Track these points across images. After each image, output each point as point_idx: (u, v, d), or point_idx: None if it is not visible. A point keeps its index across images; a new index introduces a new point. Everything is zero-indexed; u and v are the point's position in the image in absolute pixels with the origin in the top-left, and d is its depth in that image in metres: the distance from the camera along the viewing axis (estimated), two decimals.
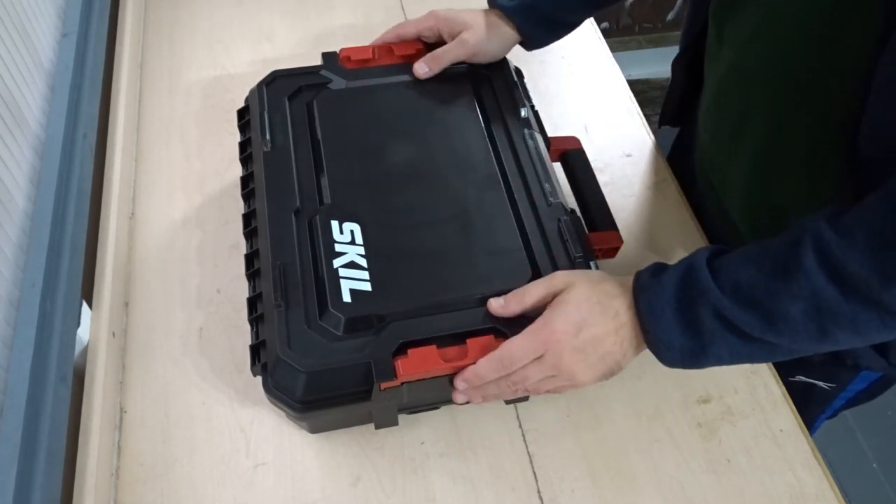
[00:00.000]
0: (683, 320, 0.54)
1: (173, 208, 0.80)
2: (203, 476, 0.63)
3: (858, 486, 1.48)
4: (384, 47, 0.80)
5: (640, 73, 1.75)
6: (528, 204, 0.67)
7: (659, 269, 0.57)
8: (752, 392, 0.67)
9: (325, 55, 0.80)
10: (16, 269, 0.62)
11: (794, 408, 0.66)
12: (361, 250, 0.64)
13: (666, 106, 0.85)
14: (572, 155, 0.74)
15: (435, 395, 0.62)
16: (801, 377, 0.76)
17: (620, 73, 0.94)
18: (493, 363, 0.57)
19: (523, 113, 0.73)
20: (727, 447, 0.64)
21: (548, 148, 0.74)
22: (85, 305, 0.70)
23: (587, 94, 0.90)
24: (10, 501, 0.50)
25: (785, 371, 0.72)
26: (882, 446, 1.53)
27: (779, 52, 0.61)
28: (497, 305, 0.60)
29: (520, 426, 0.65)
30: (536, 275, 0.62)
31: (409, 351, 0.58)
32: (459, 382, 0.59)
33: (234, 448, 0.64)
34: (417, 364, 0.57)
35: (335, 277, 0.62)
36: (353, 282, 0.62)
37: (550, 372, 0.57)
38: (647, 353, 0.69)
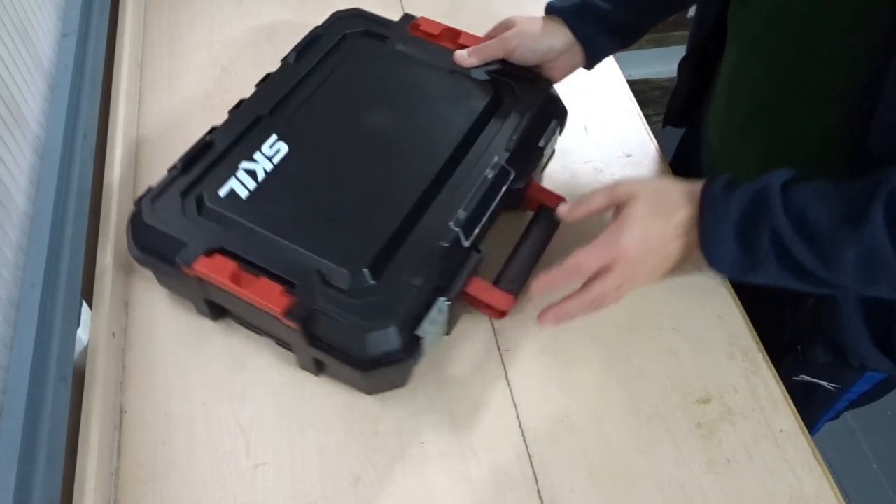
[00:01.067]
0: (743, 238, 0.56)
1: None
2: (203, 476, 0.63)
3: (858, 486, 1.48)
4: (452, 31, 0.81)
5: (640, 73, 1.75)
6: (431, 214, 0.67)
7: (731, 185, 0.58)
8: (752, 392, 0.67)
9: (405, 16, 0.84)
10: (16, 269, 0.62)
11: (794, 408, 0.66)
12: (269, 167, 0.70)
13: (671, 107, 0.85)
14: (544, 213, 0.72)
15: (246, 315, 0.67)
16: (805, 377, 0.76)
17: (620, 73, 0.94)
18: (563, 271, 0.60)
19: (507, 144, 0.72)
20: (727, 447, 0.64)
21: (522, 193, 0.72)
22: (85, 305, 0.70)
23: (587, 94, 0.90)
24: (10, 501, 0.50)
25: (788, 370, 0.72)
26: (882, 446, 1.53)
27: (788, 53, 0.61)
28: (564, 210, 0.64)
29: (520, 426, 0.65)
30: (357, 277, 0.63)
31: (216, 256, 0.63)
32: (534, 287, 0.61)
33: (234, 448, 0.64)
34: (210, 267, 0.62)
35: (230, 171, 0.69)
36: (239, 185, 0.68)
37: (620, 280, 0.60)
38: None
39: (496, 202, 0.68)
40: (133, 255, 0.67)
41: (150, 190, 0.68)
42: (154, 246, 0.66)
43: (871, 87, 0.53)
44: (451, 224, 0.65)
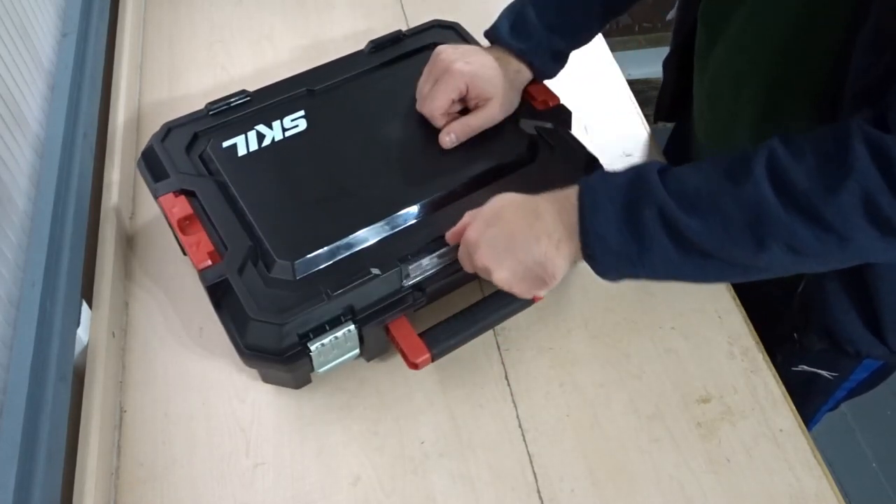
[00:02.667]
0: (625, 218, 0.54)
1: None
2: (203, 476, 0.63)
3: (858, 486, 1.48)
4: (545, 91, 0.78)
5: (640, 72, 1.75)
6: (389, 239, 0.66)
7: (607, 172, 0.58)
8: (752, 392, 0.67)
9: None
10: (16, 268, 0.62)
11: (793, 408, 0.66)
12: (279, 137, 0.73)
13: (659, 103, 0.85)
14: None
15: None
16: (803, 367, 0.76)
17: (620, 73, 0.94)
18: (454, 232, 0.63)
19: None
20: (727, 447, 0.64)
21: None
22: (85, 305, 0.70)
23: (587, 93, 0.90)
24: (10, 501, 0.50)
25: (787, 361, 0.72)
26: (882, 446, 1.53)
27: (765, 50, 0.61)
28: (450, 235, 0.64)
29: (520, 426, 0.65)
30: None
31: (181, 196, 0.68)
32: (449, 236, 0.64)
33: (233, 448, 0.64)
34: (169, 205, 0.67)
35: (244, 128, 0.74)
36: (243, 142, 0.72)
37: (467, 262, 0.62)
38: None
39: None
40: (138, 165, 0.73)
41: (177, 119, 0.75)
42: (152, 167, 0.71)
43: (839, 82, 0.54)
44: (400, 257, 0.63)
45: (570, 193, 0.58)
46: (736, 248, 0.52)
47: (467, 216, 0.63)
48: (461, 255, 0.63)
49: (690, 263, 0.54)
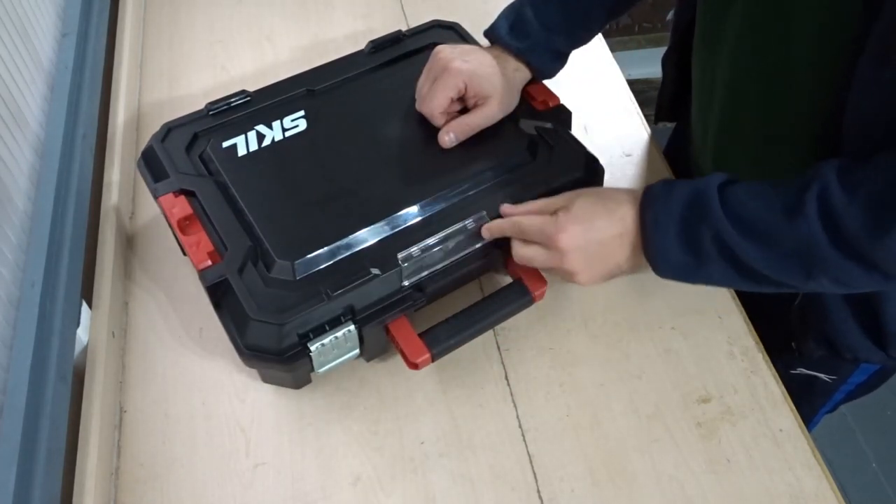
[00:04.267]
0: (685, 238, 0.57)
1: None
2: (203, 476, 0.63)
3: (858, 486, 1.48)
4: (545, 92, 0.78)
5: (640, 73, 1.74)
6: (390, 238, 0.65)
7: (670, 184, 0.59)
8: (752, 392, 0.67)
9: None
10: (16, 269, 0.62)
11: (793, 407, 0.66)
12: (279, 137, 0.73)
13: (660, 101, 0.85)
14: (516, 287, 0.67)
15: None
16: (802, 369, 0.76)
17: (620, 73, 0.94)
18: (510, 223, 0.64)
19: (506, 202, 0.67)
20: (727, 447, 0.64)
21: (505, 258, 0.67)
22: (85, 305, 0.70)
23: (587, 94, 0.90)
24: (10, 501, 0.50)
25: (786, 364, 0.72)
26: (882, 446, 1.53)
27: (765, 54, 0.61)
28: (508, 207, 0.66)
29: (520, 426, 0.65)
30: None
31: (181, 196, 0.68)
32: (485, 232, 0.65)
33: (234, 448, 0.64)
34: (169, 205, 0.68)
35: (244, 129, 0.74)
36: (243, 142, 0.72)
37: (552, 265, 0.62)
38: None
39: (464, 255, 0.66)
40: (138, 165, 0.73)
41: (178, 119, 0.75)
42: (152, 167, 0.71)
43: (841, 87, 0.54)
44: (401, 257, 0.63)
45: (639, 193, 0.61)
46: (786, 275, 0.55)
47: (532, 210, 0.64)
48: (531, 252, 0.63)
49: (746, 280, 0.57)
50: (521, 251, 0.63)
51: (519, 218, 0.63)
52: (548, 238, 0.61)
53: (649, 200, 0.59)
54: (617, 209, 0.60)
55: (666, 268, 0.59)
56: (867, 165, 0.52)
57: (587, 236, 0.60)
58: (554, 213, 0.62)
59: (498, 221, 0.65)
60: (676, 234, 0.57)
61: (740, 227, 0.55)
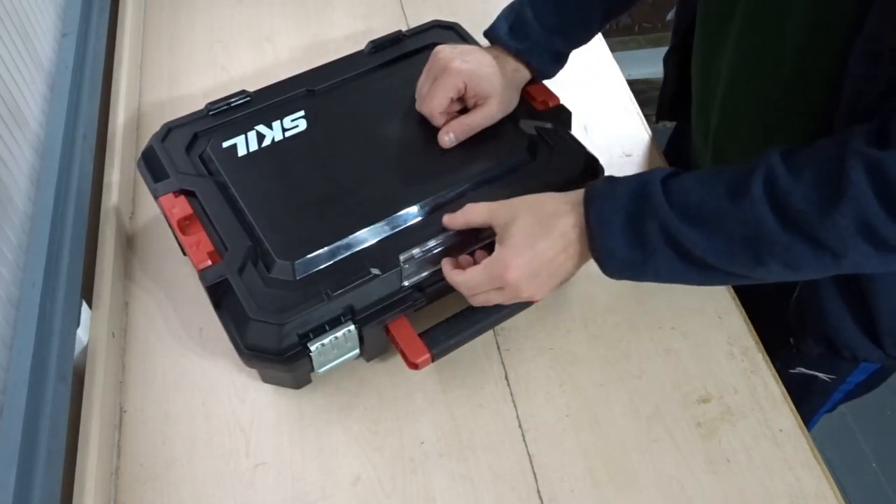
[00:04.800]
0: (630, 231, 0.56)
1: None
2: (203, 476, 0.63)
3: (858, 486, 1.48)
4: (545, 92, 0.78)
5: (640, 73, 1.74)
6: (390, 239, 0.66)
7: (612, 180, 0.59)
8: (752, 392, 0.67)
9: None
10: (16, 269, 0.62)
11: (793, 408, 0.66)
12: (279, 138, 0.73)
13: (661, 101, 0.85)
14: None
15: None
16: (801, 369, 0.76)
17: (620, 73, 0.94)
18: (460, 287, 0.62)
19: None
20: (727, 447, 0.64)
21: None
22: (85, 305, 0.70)
23: (587, 94, 0.90)
24: (10, 501, 0.50)
25: (785, 363, 0.72)
26: (882, 446, 1.53)
27: (764, 53, 0.61)
28: (447, 218, 0.65)
29: (520, 426, 0.65)
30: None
31: (181, 196, 0.68)
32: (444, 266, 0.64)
33: (234, 448, 0.64)
34: (169, 205, 0.68)
35: (244, 129, 0.74)
36: (243, 143, 0.72)
37: (510, 297, 0.61)
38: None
39: (462, 256, 0.65)
40: (138, 165, 0.73)
41: (178, 119, 0.75)
42: (152, 167, 0.72)
43: (837, 86, 0.54)
44: (401, 257, 0.63)
45: (580, 200, 0.59)
46: (735, 262, 0.54)
47: (474, 212, 0.63)
48: (486, 298, 0.62)
49: (694, 272, 0.56)
50: (478, 299, 0.63)
51: (462, 280, 0.62)
52: (496, 279, 0.60)
53: (592, 197, 0.58)
54: (556, 225, 0.59)
55: (612, 264, 0.58)
56: (811, 147, 0.51)
57: (533, 264, 0.59)
58: (492, 229, 0.62)
59: (448, 279, 0.63)
60: (621, 229, 0.56)
61: (685, 216, 0.54)
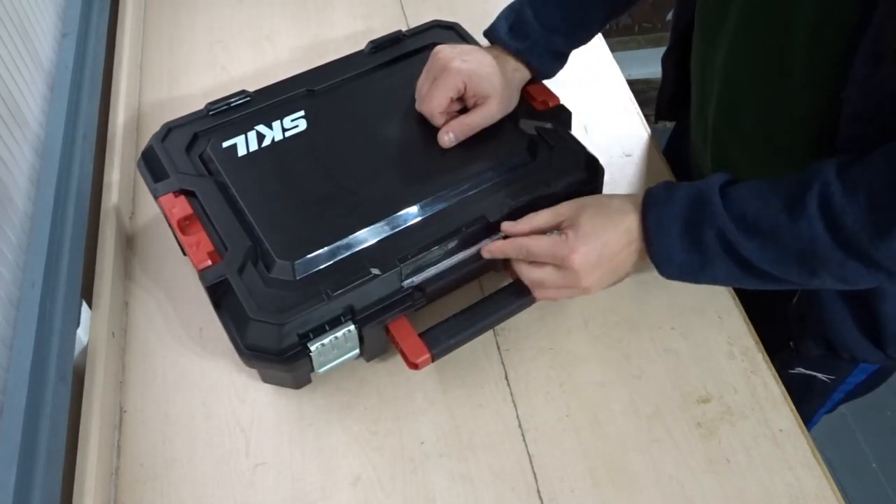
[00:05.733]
0: (689, 238, 0.57)
1: None
2: (203, 476, 0.63)
3: (858, 486, 1.48)
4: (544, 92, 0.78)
5: (640, 73, 1.74)
6: (389, 239, 0.65)
7: (671, 186, 0.60)
8: (752, 392, 0.67)
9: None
10: (16, 269, 0.62)
11: (793, 408, 0.66)
12: (279, 138, 0.73)
13: (660, 101, 0.85)
14: (515, 288, 0.67)
15: None
16: (800, 369, 0.76)
17: (620, 73, 0.94)
18: (515, 246, 0.63)
19: (505, 206, 0.67)
20: (727, 447, 0.64)
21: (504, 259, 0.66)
22: (85, 305, 0.70)
23: (587, 94, 0.90)
24: (10, 501, 0.50)
25: (784, 363, 0.72)
26: (882, 446, 1.53)
27: (762, 51, 0.61)
28: (508, 225, 0.65)
29: (520, 426, 0.65)
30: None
31: (181, 196, 0.68)
32: (486, 253, 0.65)
33: (234, 448, 0.64)
34: (169, 205, 0.68)
35: (244, 129, 0.74)
36: (243, 143, 0.72)
37: (567, 284, 0.62)
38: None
39: (463, 257, 0.65)
40: (138, 165, 0.73)
41: (178, 119, 0.75)
42: (152, 167, 0.72)
43: (838, 86, 0.54)
44: (397, 258, 0.63)
45: (639, 198, 0.61)
46: (791, 273, 0.55)
47: (539, 217, 0.64)
48: (541, 275, 0.62)
49: (751, 278, 0.57)
50: (530, 274, 0.63)
51: (524, 240, 0.63)
52: (561, 260, 0.61)
53: (650, 204, 0.60)
54: (623, 220, 0.61)
55: (670, 269, 0.59)
56: (866, 165, 0.52)
57: (600, 253, 0.60)
58: (558, 229, 0.63)
59: (500, 243, 0.64)
60: (679, 234, 0.58)
61: (743, 226, 0.55)
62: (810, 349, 0.72)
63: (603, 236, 0.60)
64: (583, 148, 0.73)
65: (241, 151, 0.72)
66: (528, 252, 0.62)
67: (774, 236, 0.54)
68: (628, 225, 0.61)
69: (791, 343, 0.74)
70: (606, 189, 0.74)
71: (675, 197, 0.58)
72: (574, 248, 0.60)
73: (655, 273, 0.61)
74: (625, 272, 0.63)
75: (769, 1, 0.58)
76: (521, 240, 0.63)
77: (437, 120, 0.72)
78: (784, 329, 0.73)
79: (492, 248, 0.65)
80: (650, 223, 0.59)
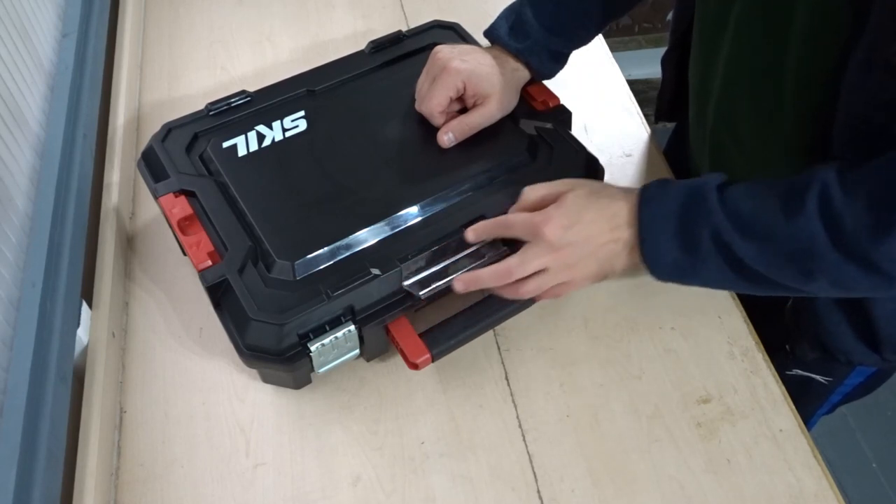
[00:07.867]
0: (682, 236, 0.56)
1: None
2: (203, 476, 0.63)
3: (858, 486, 1.48)
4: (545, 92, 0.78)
5: (640, 73, 1.75)
6: (389, 239, 0.65)
7: (666, 183, 0.59)
8: (752, 392, 0.67)
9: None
10: (16, 269, 0.62)
11: (793, 408, 0.66)
12: (279, 138, 0.73)
13: (660, 102, 0.85)
14: None
15: None
16: (798, 371, 0.76)
17: (620, 73, 0.94)
18: (494, 221, 0.62)
19: (503, 207, 0.66)
20: (727, 447, 0.64)
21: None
22: (85, 305, 0.70)
23: (587, 94, 0.90)
24: (10, 501, 0.50)
25: (782, 365, 0.72)
26: (882, 446, 1.53)
27: (760, 55, 0.61)
28: (514, 207, 0.64)
29: (520, 426, 0.65)
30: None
31: (181, 196, 0.68)
32: (458, 284, 0.62)
33: (233, 448, 0.64)
34: (169, 205, 0.68)
35: (245, 129, 0.74)
36: (244, 143, 0.72)
37: (542, 262, 0.59)
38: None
39: (464, 255, 0.65)
40: (138, 165, 0.73)
41: (178, 119, 0.75)
42: (152, 167, 0.72)
43: (832, 91, 0.54)
44: (397, 258, 0.63)
45: (635, 191, 0.60)
46: (786, 276, 0.54)
47: (535, 189, 0.63)
48: (515, 227, 0.61)
49: (742, 281, 0.56)
50: (510, 261, 0.61)
51: (504, 216, 0.63)
52: (534, 228, 0.59)
53: (646, 199, 0.59)
54: (609, 205, 0.60)
55: (662, 267, 0.58)
56: (866, 167, 0.52)
57: (576, 229, 0.59)
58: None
59: (482, 223, 0.64)
60: (674, 232, 0.57)
61: (739, 225, 0.54)
62: (806, 352, 0.72)
63: (584, 215, 0.59)
64: (583, 148, 0.73)
65: (242, 151, 0.72)
66: (506, 224, 0.62)
67: (770, 236, 0.53)
68: (615, 210, 0.59)
69: (787, 346, 0.74)
70: None
71: (670, 194, 0.58)
72: (549, 217, 0.59)
73: (650, 274, 0.61)
74: (610, 265, 0.61)
75: (767, 9, 0.59)
76: (501, 216, 0.63)
77: (437, 120, 0.72)
78: (780, 332, 0.73)
79: (476, 229, 0.64)
80: (644, 218, 0.58)
